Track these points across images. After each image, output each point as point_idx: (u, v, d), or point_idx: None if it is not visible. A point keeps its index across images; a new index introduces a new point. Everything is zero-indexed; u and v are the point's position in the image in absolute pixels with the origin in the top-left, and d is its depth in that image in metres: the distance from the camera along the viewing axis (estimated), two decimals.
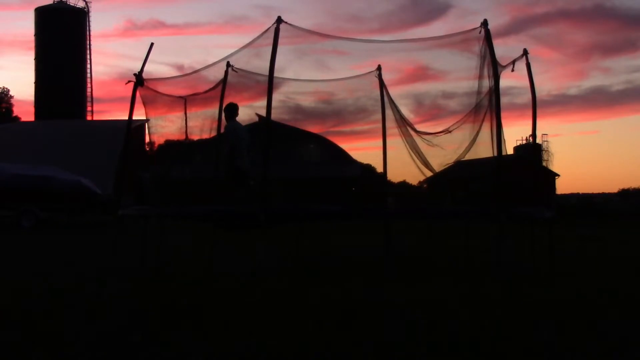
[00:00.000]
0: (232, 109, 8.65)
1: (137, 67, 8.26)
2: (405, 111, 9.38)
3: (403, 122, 9.33)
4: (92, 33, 51.22)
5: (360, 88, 9.80)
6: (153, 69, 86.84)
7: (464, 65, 7.74)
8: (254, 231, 8.15)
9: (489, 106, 7.72)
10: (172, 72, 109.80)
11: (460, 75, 8.06)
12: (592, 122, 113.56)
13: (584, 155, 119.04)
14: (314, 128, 10.27)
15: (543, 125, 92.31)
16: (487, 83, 7.58)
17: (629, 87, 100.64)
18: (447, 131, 8.63)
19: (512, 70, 7.89)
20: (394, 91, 9.74)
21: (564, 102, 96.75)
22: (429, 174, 9.09)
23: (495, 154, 7.47)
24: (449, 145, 8.58)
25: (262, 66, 7.13)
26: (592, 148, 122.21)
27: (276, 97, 8.35)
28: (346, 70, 9.76)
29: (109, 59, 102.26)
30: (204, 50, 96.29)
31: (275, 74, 7.55)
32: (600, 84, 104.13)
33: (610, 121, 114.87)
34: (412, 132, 9.13)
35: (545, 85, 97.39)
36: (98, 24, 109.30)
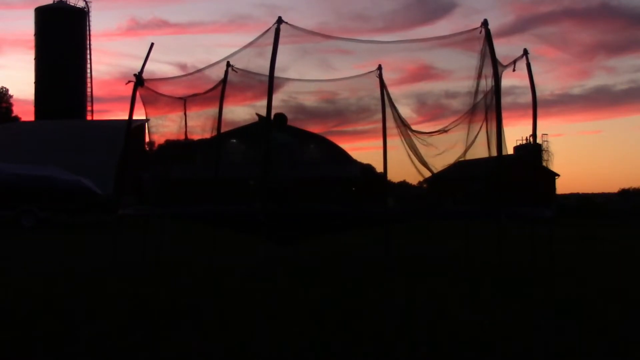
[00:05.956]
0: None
1: (139, 67, 8.24)
2: (407, 111, 9.36)
3: (401, 122, 9.33)
4: (94, 32, 51.47)
5: (362, 87, 9.76)
6: (156, 68, 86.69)
7: (466, 64, 7.72)
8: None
9: (488, 106, 7.72)
10: (175, 72, 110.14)
11: (463, 75, 8.03)
12: (595, 121, 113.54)
13: (586, 155, 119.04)
14: (316, 128, 10.23)
15: (546, 125, 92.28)
16: (486, 83, 7.58)
17: (633, 87, 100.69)
18: (443, 130, 8.63)
19: (514, 70, 7.89)
20: (397, 90, 9.71)
21: (567, 102, 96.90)
22: (427, 174, 9.09)
23: (494, 154, 7.46)
24: (443, 145, 8.58)
25: (265, 65, 7.09)
26: (594, 148, 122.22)
27: (278, 96, 8.35)
28: (349, 70, 9.72)
29: (111, 58, 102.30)
30: (208, 49, 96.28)
31: (278, 73, 7.51)
32: (603, 84, 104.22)
33: (613, 121, 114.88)
34: (404, 132, 9.13)
35: (549, 85, 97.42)
36: (101, 23, 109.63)
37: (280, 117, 8.18)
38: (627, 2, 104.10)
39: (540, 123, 7.80)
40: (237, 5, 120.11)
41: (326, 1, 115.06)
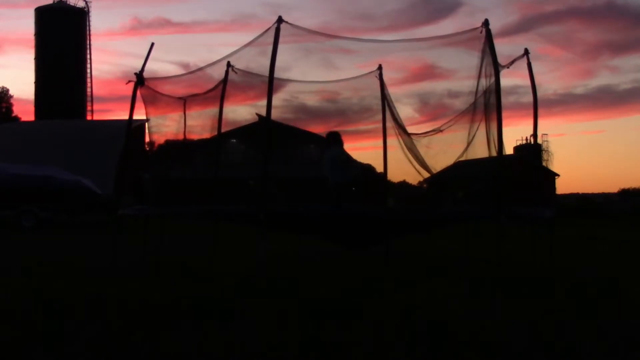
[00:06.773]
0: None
1: (141, 66, 8.19)
2: (410, 110, 9.34)
3: (396, 123, 9.33)
4: (97, 32, 51.63)
5: (365, 87, 9.74)
6: (159, 68, 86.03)
7: (469, 64, 7.69)
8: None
9: (486, 106, 7.71)
10: (178, 71, 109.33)
11: (465, 74, 8.00)
12: (598, 121, 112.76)
13: (588, 155, 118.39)
14: (317, 128, 10.19)
15: (548, 125, 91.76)
16: (485, 82, 7.57)
17: (637, 87, 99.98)
18: (438, 130, 8.64)
19: (508, 68, 7.87)
20: (400, 90, 9.71)
21: (570, 102, 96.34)
22: (426, 175, 9.10)
23: (492, 154, 7.46)
24: (438, 145, 8.59)
25: (268, 64, 7.06)
26: (596, 148, 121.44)
27: (281, 96, 8.34)
28: (352, 69, 9.69)
29: (114, 57, 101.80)
30: (211, 48, 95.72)
31: (281, 73, 7.51)
32: (607, 83, 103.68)
33: (617, 120, 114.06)
34: (402, 132, 9.12)
35: (552, 84, 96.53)
36: (104, 22, 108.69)
37: (335, 134, 8.73)
38: (632, 1, 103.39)
39: (542, 123, 7.85)
40: (241, 4, 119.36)
41: (330, 0, 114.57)
